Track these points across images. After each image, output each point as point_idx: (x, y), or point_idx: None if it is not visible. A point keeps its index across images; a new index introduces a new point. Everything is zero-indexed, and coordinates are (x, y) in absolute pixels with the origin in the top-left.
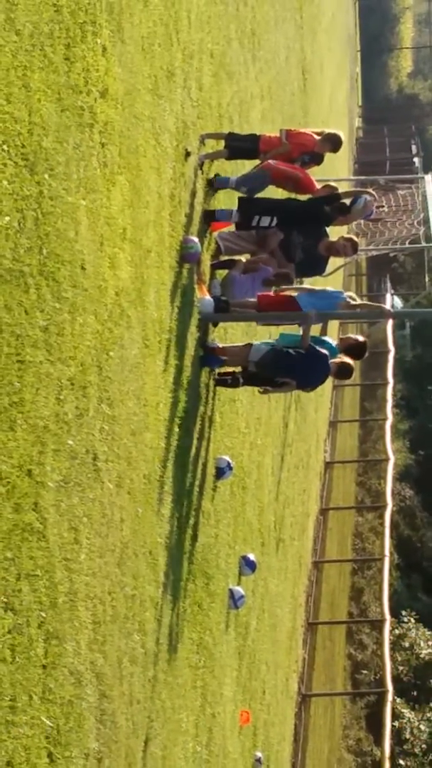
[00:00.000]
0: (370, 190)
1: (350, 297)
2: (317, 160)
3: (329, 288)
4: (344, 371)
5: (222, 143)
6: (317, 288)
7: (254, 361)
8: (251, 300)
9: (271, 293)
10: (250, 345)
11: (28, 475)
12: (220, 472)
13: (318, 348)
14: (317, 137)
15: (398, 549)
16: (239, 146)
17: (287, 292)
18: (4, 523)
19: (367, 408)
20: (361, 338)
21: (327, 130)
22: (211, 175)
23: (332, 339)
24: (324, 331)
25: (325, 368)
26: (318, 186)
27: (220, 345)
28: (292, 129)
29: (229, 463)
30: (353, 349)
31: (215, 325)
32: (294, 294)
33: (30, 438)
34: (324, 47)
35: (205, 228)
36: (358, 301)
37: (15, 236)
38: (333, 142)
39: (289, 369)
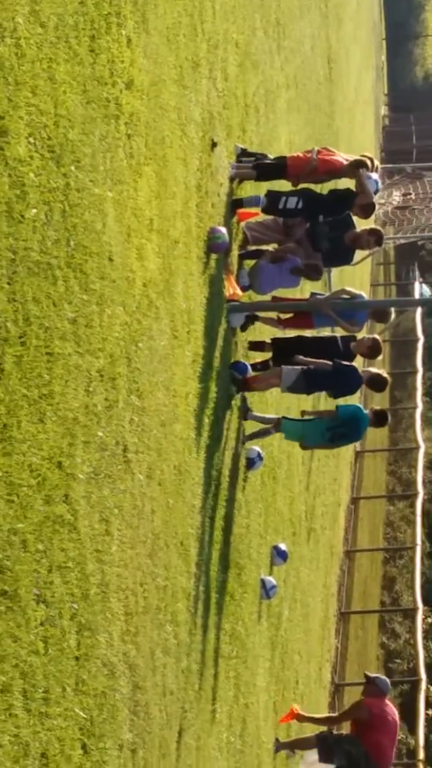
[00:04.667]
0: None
1: (345, 292)
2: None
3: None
4: (377, 384)
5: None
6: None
7: (287, 387)
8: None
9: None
10: (278, 368)
11: (59, 467)
12: (251, 463)
13: (345, 364)
14: (346, 162)
15: (430, 537)
16: (267, 165)
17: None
18: (35, 515)
19: (397, 397)
20: (382, 373)
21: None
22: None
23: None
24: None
25: (354, 379)
26: (346, 160)
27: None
28: (323, 150)
29: (259, 453)
30: (374, 383)
31: (243, 329)
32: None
33: (60, 430)
34: (349, 36)
35: (232, 218)
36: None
37: (42, 228)
38: (363, 165)
39: (322, 385)
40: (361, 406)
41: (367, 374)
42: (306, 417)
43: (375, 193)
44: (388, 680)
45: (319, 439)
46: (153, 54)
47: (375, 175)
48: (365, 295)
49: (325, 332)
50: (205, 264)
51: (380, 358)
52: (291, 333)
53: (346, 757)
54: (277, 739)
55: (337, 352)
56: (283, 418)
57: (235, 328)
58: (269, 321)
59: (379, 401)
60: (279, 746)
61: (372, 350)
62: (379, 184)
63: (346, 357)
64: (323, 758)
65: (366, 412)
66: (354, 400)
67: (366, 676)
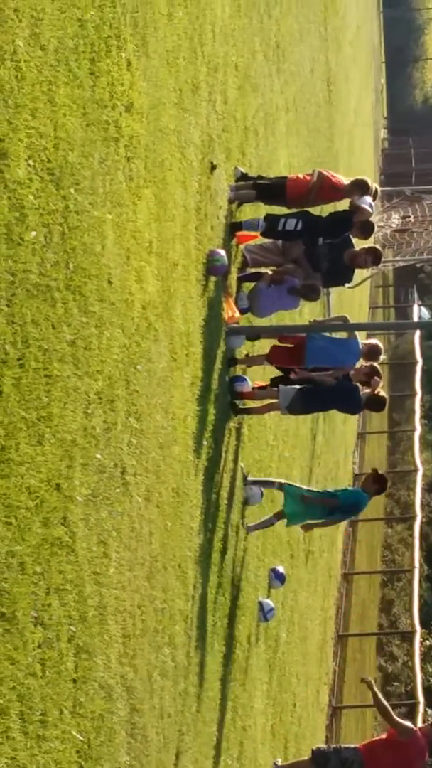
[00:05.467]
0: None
1: (343, 318)
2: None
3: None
4: (376, 404)
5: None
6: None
7: (285, 407)
8: (261, 356)
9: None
10: (276, 389)
11: (57, 489)
12: (251, 500)
13: (349, 384)
14: (346, 183)
15: (428, 560)
16: (266, 186)
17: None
18: (33, 537)
19: (396, 419)
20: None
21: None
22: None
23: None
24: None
25: (356, 399)
26: (347, 182)
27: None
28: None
29: (261, 491)
30: (372, 404)
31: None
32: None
33: (58, 452)
34: (349, 59)
35: (231, 240)
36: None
37: (41, 251)
38: (361, 187)
39: (321, 404)
40: (360, 490)
41: (366, 395)
42: (307, 497)
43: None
44: None
45: (319, 517)
46: (153, 77)
47: (369, 199)
48: (358, 338)
49: None
50: (204, 286)
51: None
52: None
53: (341, 764)
54: (275, 764)
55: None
56: (285, 485)
57: (233, 350)
58: (256, 360)
59: (378, 424)
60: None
61: (370, 377)
62: (373, 207)
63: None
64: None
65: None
66: (353, 421)
67: None
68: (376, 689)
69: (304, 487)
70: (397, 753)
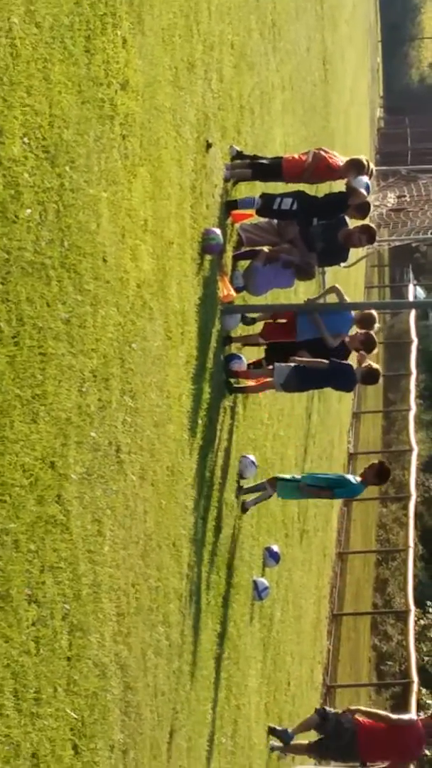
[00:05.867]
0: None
1: (336, 290)
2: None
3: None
4: (370, 377)
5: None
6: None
7: (280, 384)
8: (255, 335)
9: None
10: (271, 368)
11: (51, 467)
12: (245, 471)
13: (342, 363)
14: (341, 163)
15: (422, 540)
16: (262, 165)
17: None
18: (28, 515)
19: (391, 399)
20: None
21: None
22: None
23: (354, 478)
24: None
25: (351, 377)
26: (342, 162)
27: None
28: (323, 152)
29: (252, 461)
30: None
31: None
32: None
33: (53, 430)
34: (345, 38)
35: (226, 219)
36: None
37: (36, 229)
38: (357, 167)
39: (316, 382)
40: (355, 481)
41: (360, 370)
42: (302, 487)
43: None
44: None
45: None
46: (148, 55)
47: (365, 178)
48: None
49: None
50: (200, 265)
51: (375, 352)
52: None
53: (336, 726)
54: (285, 731)
55: (330, 351)
56: (277, 479)
57: (228, 330)
58: (251, 338)
59: (373, 403)
60: (274, 746)
61: (366, 345)
62: (370, 185)
63: (339, 355)
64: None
65: (358, 481)
66: (347, 400)
67: None
68: (363, 709)
69: (298, 476)
70: (394, 738)
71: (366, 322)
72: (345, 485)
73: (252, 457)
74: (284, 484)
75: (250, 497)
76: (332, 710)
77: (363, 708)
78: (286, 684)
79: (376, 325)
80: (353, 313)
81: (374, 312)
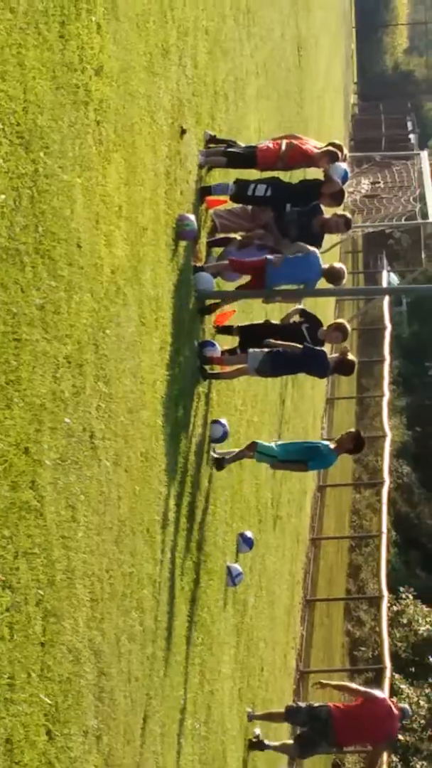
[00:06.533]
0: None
1: (299, 248)
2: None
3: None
4: (345, 367)
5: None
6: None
7: (254, 368)
8: (224, 263)
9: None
10: (245, 354)
11: (25, 453)
12: (217, 440)
13: (315, 349)
14: (317, 150)
15: (396, 526)
16: (236, 155)
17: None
18: (1, 501)
19: (364, 385)
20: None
21: (328, 147)
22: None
23: (330, 444)
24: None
25: (324, 363)
26: (317, 148)
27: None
28: (295, 138)
29: (225, 431)
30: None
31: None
32: (267, 260)
33: (27, 416)
34: (319, 23)
35: (200, 205)
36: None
37: (10, 214)
38: (332, 157)
39: (290, 367)
40: (328, 451)
41: (335, 358)
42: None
43: (343, 182)
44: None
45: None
46: (123, 40)
47: (344, 165)
48: (317, 252)
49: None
50: (174, 251)
51: (346, 342)
52: (257, 319)
53: (308, 713)
54: (248, 713)
55: (303, 339)
56: (256, 443)
57: (202, 291)
58: (221, 266)
59: (347, 389)
60: (252, 716)
61: (339, 337)
62: (348, 172)
63: (312, 341)
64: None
65: (333, 448)
66: (321, 386)
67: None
68: (333, 683)
69: (275, 445)
70: (368, 714)
71: (332, 276)
72: (318, 457)
73: (223, 421)
74: (262, 456)
75: (227, 456)
76: (298, 703)
77: (333, 682)
78: (259, 669)
79: (343, 281)
80: (321, 260)
81: (344, 267)
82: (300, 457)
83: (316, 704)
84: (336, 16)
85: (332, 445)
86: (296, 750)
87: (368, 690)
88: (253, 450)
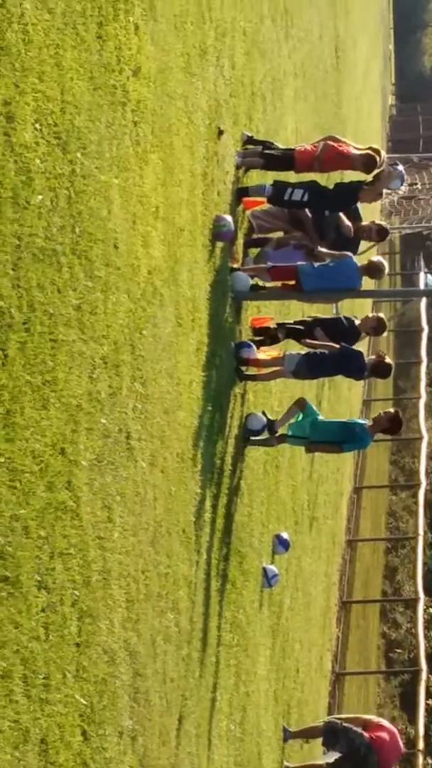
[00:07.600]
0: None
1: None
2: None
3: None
4: (381, 370)
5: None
6: (335, 260)
7: (290, 371)
8: (262, 266)
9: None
10: (282, 357)
11: (62, 453)
12: (254, 433)
13: (352, 349)
14: (354, 152)
15: None
16: (274, 157)
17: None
18: (38, 501)
19: (401, 386)
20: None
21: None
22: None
23: (365, 420)
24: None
25: (361, 364)
26: (356, 150)
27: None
28: (333, 141)
29: (265, 425)
30: (378, 370)
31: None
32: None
33: (63, 417)
34: (357, 25)
35: (237, 206)
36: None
37: (48, 215)
38: (367, 165)
39: (326, 369)
40: (363, 432)
41: (371, 361)
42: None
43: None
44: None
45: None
46: (160, 41)
47: (401, 167)
48: (353, 256)
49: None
50: (210, 252)
51: (384, 335)
52: (293, 318)
53: (348, 744)
54: (285, 728)
55: (342, 330)
56: (286, 437)
57: (239, 291)
58: (258, 270)
59: (384, 391)
60: (288, 735)
61: (377, 329)
62: (405, 177)
63: (350, 334)
64: (326, 742)
65: (368, 427)
66: (358, 388)
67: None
68: (343, 716)
69: (308, 426)
70: (395, 742)
71: (373, 270)
72: (353, 439)
73: (263, 418)
74: (294, 440)
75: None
76: (339, 723)
77: (343, 716)
78: (295, 671)
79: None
80: (357, 261)
81: (383, 261)
82: (334, 437)
83: (353, 737)
84: (374, 18)
85: (369, 423)
86: None
87: (376, 718)
88: (282, 441)
